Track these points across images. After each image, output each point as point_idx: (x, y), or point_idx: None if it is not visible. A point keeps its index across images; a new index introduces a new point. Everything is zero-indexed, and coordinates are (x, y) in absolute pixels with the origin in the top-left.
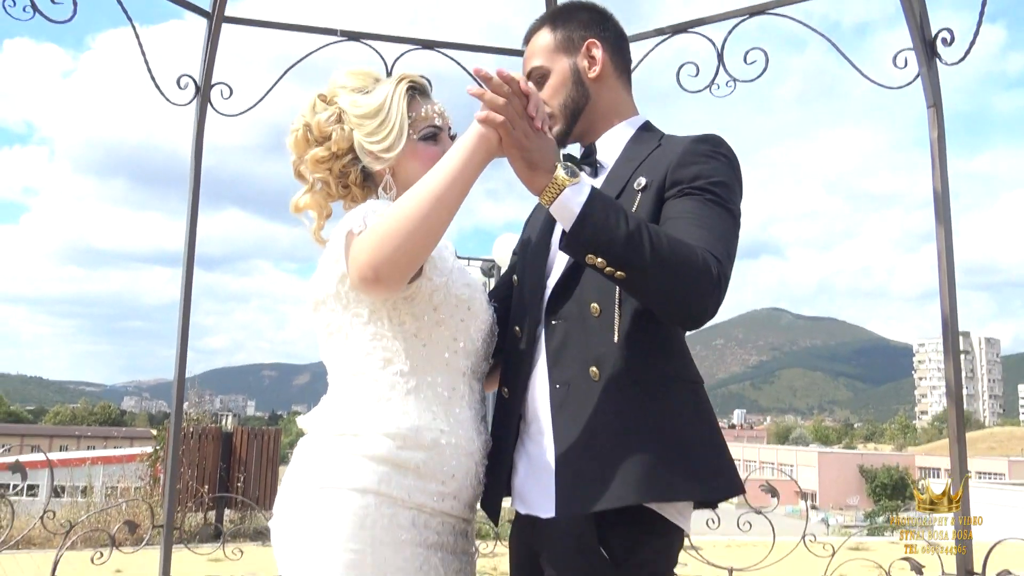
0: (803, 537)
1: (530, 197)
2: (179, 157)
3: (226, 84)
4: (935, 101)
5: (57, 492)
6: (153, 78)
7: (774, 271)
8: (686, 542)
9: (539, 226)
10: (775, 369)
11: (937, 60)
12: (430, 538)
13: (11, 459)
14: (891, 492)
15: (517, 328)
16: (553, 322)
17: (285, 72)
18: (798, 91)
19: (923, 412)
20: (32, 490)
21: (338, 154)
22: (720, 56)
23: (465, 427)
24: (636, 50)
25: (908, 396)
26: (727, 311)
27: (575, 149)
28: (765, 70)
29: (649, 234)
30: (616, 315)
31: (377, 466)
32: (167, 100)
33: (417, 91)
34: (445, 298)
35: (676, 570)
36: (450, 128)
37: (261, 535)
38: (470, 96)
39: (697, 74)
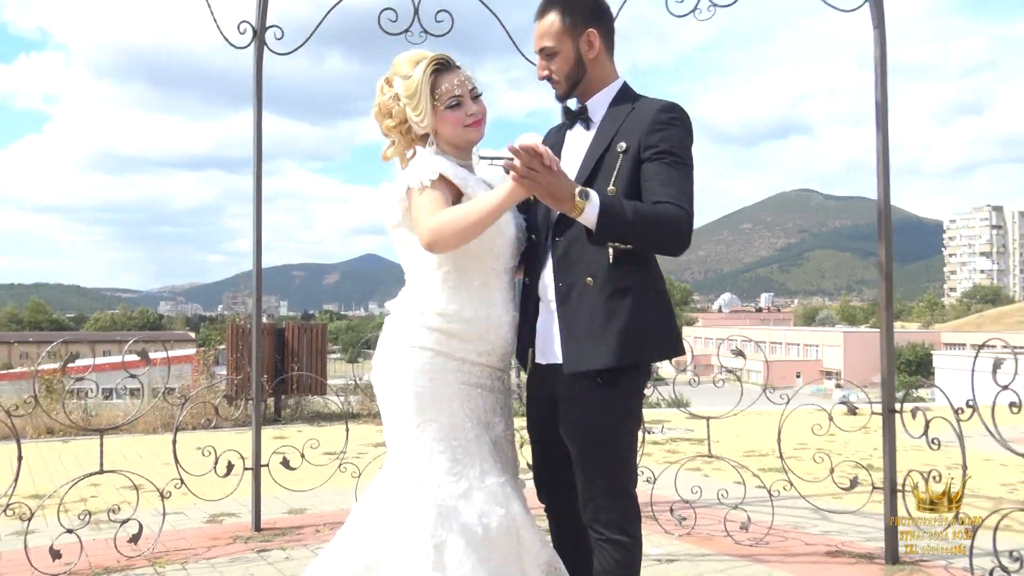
0: (764, 390)
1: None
2: (194, 58)
3: (279, 26)
4: (879, 23)
5: (109, 394)
6: (217, 25)
7: (804, 151)
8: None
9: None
10: (804, 251)
11: None
12: (472, 379)
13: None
14: (915, 368)
15: (534, 236)
16: (557, 239)
17: (328, 12)
18: None
19: (952, 289)
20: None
21: (400, 123)
22: None
23: (496, 307)
24: None
25: (938, 274)
26: (754, 195)
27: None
28: None
29: (640, 214)
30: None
31: (432, 333)
32: (230, 44)
33: (441, 68)
34: None
35: (667, 424)
36: (473, 89)
37: (316, 417)
38: None
39: (682, 0)
